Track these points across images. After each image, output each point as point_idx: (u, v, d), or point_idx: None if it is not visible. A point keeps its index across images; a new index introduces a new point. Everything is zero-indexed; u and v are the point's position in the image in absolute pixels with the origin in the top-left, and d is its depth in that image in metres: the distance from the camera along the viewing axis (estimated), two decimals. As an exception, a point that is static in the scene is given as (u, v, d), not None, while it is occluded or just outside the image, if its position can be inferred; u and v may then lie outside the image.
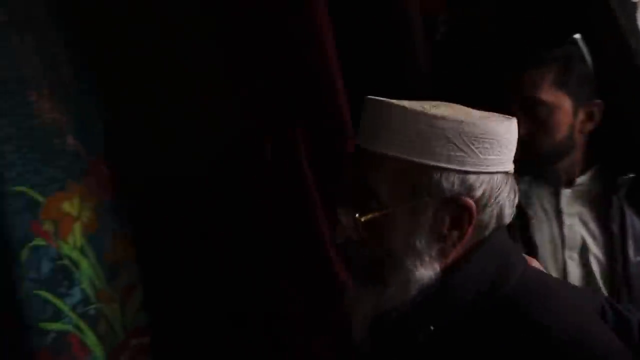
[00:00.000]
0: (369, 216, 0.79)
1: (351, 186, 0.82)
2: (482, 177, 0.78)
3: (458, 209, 0.78)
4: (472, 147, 0.76)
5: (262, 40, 1.34)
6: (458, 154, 0.76)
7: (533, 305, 0.77)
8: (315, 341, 1.40)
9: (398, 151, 0.77)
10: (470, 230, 0.79)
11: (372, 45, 1.47)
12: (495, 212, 0.80)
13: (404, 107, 0.77)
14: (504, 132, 0.78)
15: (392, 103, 0.78)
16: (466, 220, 0.78)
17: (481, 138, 0.76)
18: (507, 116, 0.82)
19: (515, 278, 0.80)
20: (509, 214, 0.82)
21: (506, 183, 0.80)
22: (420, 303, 0.79)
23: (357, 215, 0.79)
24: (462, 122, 0.75)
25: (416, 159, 0.77)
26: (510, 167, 0.81)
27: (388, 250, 0.80)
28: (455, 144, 0.76)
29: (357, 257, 0.83)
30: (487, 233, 0.81)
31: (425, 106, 0.78)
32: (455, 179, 0.77)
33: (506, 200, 0.81)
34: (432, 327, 0.79)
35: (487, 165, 0.78)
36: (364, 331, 0.84)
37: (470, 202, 0.77)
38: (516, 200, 0.83)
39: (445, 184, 0.77)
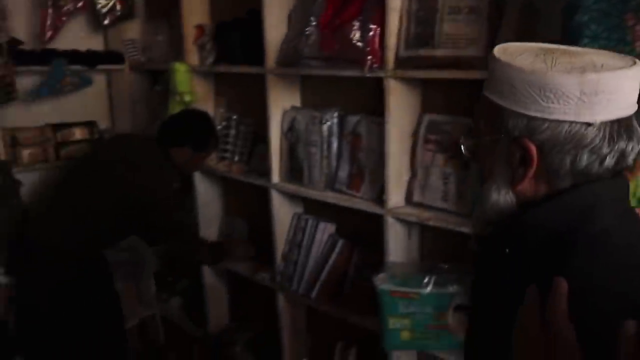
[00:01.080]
0: (468, 142, 1.00)
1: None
2: (546, 123, 0.85)
3: (522, 149, 0.88)
4: (536, 95, 0.84)
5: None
6: (523, 100, 0.86)
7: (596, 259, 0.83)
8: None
9: (489, 93, 0.92)
10: (533, 168, 0.88)
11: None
12: (568, 159, 0.86)
13: (498, 58, 0.90)
14: (570, 85, 0.82)
15: (495, 54, 0.91)
16: (529, 160, 0.88)
17: (545, 88, 0.83)
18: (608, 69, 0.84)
19: (593, 232, 0.85)
20: (597, 165, 0.86)
21: (586, 134, 0.84)
22: (499, 227, 0.95)
23: (462, 138, 1.01)
24: (530, 72, 0.84)
25: (495, 100, 0.90)
26: (594, 118, 0.84)
27: (482, 172, 0.98)
28: (521, 92, 0.85)
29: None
30: (566, 178, 0.88)
31: (511, 53, 0.90)
32: (520, 121, 0.87)
33: (585, 151, 0.85)
34: (507, 250, 0.93)
35: (551, 113, 0.84)
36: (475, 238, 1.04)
37: (530, 144, 0.87)
38: (627, 155, 0.87)
39: (512, 124, 0.88)
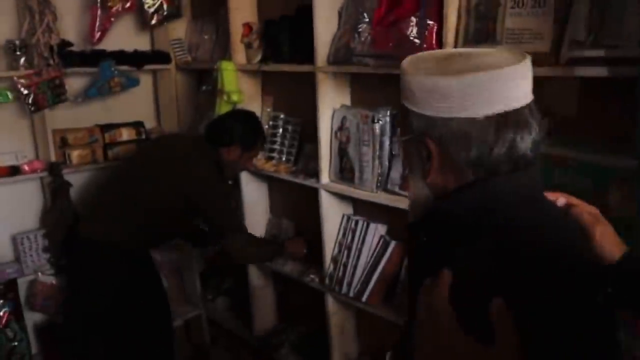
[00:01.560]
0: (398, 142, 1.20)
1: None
2: (439, 121, 0.94)
3: (425, 145, 0.98)
4: (428, 97, 0.93)
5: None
6: (421, 102, 0.96)
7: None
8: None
9: (402, 98, 1.03)
10: (435, 162, 0.98)
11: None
12: (462, 152, 0.94)
13: (403, 68, 1.01)
14: (451, 86, 0.91)
15: (402, 64, 1.02)
16: (431, 155, 0.98)
17: (434, 90, 0.93)
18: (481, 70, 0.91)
19: (499, 223, 0.92)
20: (487, 156, 0.93)
21: (473, 128, 0.92)
22: (420, 217, 1.07)
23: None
24: (424, 77, 0.94)
25: (405, 104, 1.01)
26: (477, 113, 0.91)
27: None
28: (418, 95, 0.96)
29: None
30: (465, 170, 0.96)
31: (415, 62, 1.01)
32: (420, 121, 0.97)
33: (474, 143, 0.92)
34: (424, 238, 1.08)
35: (440, 112, 0.93)
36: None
37: (429, 140, 0.97)
38: (517, 145, 0.93)
39: (416, 125, 0.99)
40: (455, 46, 1.88)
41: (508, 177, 0.94)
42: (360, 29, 2.16)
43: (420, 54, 1.05)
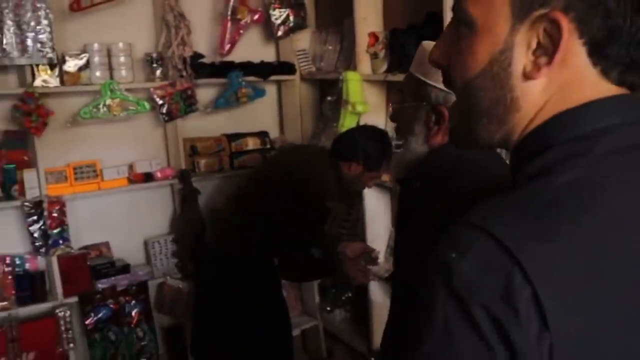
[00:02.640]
0: (396, 106, 1.44)
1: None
2: (451, 96, 1.07)
3: (438, 113, 1.32)
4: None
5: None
6: (437, 76, 1.09)
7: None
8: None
9: (415, 72, 1.34)
10: (445, 126, 1.32)
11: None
12: None
13: (423, 46, 1.35)
14: None
15: (422, 43, 1.36)
16: (443, 121, 1.32)
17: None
18: None
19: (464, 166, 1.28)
20: None
21: None
22: (415, 167, 1.38)
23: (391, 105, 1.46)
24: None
25: (420, 77, 1.32)
26: None
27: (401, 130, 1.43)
28: (438, 72, 0.93)
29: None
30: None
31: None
32: (439, 93, 1.30)
33: None
34: (418, 183, 1.39)
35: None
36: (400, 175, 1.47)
37: (444, 109, 1.31)
38: None
39: (433, 95, 1.32)
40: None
41: None
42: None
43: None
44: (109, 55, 2.84)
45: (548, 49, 0.67)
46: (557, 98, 0.69)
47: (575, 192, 0.63)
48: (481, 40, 0.71)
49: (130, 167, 2.97)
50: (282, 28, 3.21)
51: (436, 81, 1.28)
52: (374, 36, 2.79)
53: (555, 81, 0.69)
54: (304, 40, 3.38)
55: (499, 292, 0.58)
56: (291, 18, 3.21)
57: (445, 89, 0.98)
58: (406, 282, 1.29)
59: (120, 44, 2.85)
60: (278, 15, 3.18)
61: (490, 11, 0.70)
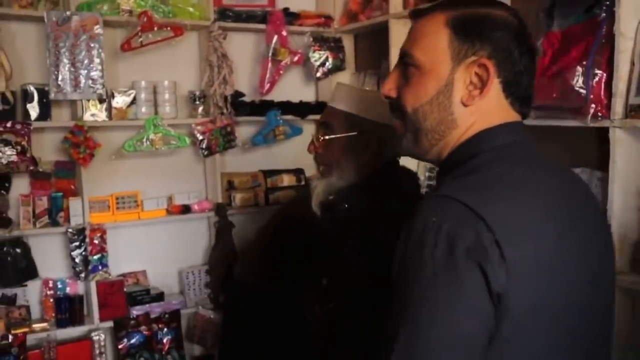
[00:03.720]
0: (327, 138, 1.58)
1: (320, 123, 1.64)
2: (381, 125, 1.49)
3: (369, 140, 1.54)
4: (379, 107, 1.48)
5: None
6: (366, 109, 1.56)
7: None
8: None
9: (339, 106, 1.60)
10: (373, 151, 1.54)
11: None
12: (388, 148, 1.52)
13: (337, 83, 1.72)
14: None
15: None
16: (373, 147, 1.54)
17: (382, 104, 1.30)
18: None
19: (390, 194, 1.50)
20: (396, 153, 1.47)
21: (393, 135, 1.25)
22: (340, 193, 1.55)
23: (320, 137, 1.59)
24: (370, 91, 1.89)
25: (347, 110, 1.58)
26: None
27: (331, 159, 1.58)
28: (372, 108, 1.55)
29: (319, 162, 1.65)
30: (385, 160, 1.56)
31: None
32: (368, 123, 1.54)
33: (390, 145, 1.47)
34: (346, 205, 1.52)
35: (384, 119, 1.39)
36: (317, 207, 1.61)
37: (374, 137, 1.53)
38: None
39: (364, 125, 1.54)
40: (627, 97, 1.75)
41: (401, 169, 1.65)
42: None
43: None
44: (155, 92, 3.00)
45: (478, 85, 0.97)
46: (482, 120, 0.99)
47: (507, 177, 0.92)
48: (429, 78, 0.99)
49: (170, 199, 3.09)
50: (321, 69, 3.32)
51: (365, 113, 1.54)
52: (407, 79, 2.86)
53: (480, 107, 0.98)
54: (344, 80, 3.47)
55: (473, 238, 0.83)
56: (330, 60, 3.32)
57: (374, 119, 1.51)
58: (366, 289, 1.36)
59: (166, 82, 3.01)
60: (317, 57, 3.29)
61: (435, 58, 0.99)
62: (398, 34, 2.89)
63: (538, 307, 0.85)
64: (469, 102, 0.97)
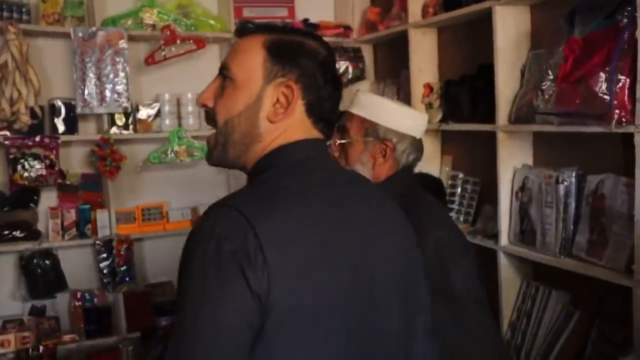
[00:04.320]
0: (343, 142, 1.65)
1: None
2: (400, 135, 1.64)
3: (386, 147, 1.62)
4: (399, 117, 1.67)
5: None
6: (383, 116, 1.63)
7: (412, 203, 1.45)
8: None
9: (356, 111, 1.66)
10: (390, 158, 1.63)
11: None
12: (404, 155, 1.65)
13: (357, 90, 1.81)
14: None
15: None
16: (389, 153, 1.62)
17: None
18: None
19: (408, 197, 1.50)
20: (412, 160, 1.68)
21: (410, 143, 1.65)
22: None
23: (336, 141, 1.65)
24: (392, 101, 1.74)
25: (363, 116, 1.64)
26: (415, 134, 1.67)
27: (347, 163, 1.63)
28: (390, 116, 1.66)
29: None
30: (401, 166, 1.66)
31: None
32: (384, 130, 1.62)
33: (412, 151, 1.66)
34: None
35: (399, 127, 1.63)
36: None
37: (390, 144, 1.62)
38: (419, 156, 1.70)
39: (380, 132, 1.62)
40: (651, 102, 1.75)
41: (408, 169, 1.70)
42: (544, 87, 2.09)
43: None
44: (178, 104, 3.05)
45: (284, 104, 1.07)
46: (284, 135, 1.08)
47: (289, 189, 1.02)
48: (241, 92, 1.07)
49: (194, 209, 3.13)
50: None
51: (382, 120, 1.61)
52: (429, 87, 2.88)
53: (285, 124, 1.08)
54: (363, 89, 3.49)
55: (239, 244, 0.91)
56: (350, 70, 3.35)
57: (390, 127, 1.61)
58: None
59: (189, 94, 3.05)
60: (337, 67, 3.31)
61: (248, 74, 1.07)
62: (417, 43, 2.91)
63: (300, 306, 0.94)
64: (274, 118, 1.07)
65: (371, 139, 1.61)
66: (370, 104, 1.66)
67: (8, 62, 2.59)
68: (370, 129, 1.62)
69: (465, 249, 1.58)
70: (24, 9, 2.74)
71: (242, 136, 1.08)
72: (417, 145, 1.69)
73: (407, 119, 1.66)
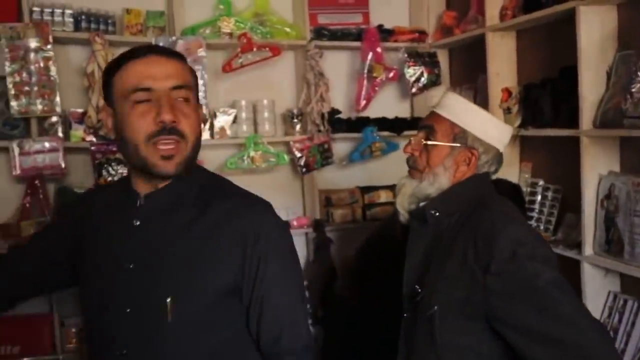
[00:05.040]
0: (429, 143, 1.59)
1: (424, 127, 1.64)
2: (485, 145, 1.59)
3: (471, 154, 1.58)
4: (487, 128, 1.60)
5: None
6: (473, 122, 1.58)
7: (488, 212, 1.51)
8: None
9: (445, 114, 1.61)
10: (472, 167, 1.59)
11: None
12: (486, 166, 1.61)
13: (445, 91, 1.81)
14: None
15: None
16: (474, 161, 1.58)
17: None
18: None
19: (485, 198, 1.57)
20: (492, 171, 1.65)
21: (494, 155, 1.61)
22: (436, 198, 1.58)
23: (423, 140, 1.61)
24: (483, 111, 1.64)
25: (453, 120, 1.58)
26: (499, 147, 1.62)
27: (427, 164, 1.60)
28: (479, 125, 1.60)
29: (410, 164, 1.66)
30: (479, 171, 1.62)
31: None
32: (473, 138, 1.57)
33: (488, 164, 1.62)
34: (437, 213, 1.56)
35: (486, 138, 1.58)
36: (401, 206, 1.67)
37: (477, 153, 1.58)
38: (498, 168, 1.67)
39: (469, 139, 1.57)
40: None
41: (484, 175, 1.63)
42: (633, 89, 2.00)
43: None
44: (255, 111, 3.09)
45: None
46: None
47: None
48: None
49: (269, 215, 3.16)
50: (416, 85, 3.31)
51: (472, 128, 1.56)
52: (507, 91, 2.79)
53: None
54: (438, 96, 3.43)
55: None
56: (425, 75, 3.30)
57: (478, 135, 1.57)
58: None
59: (265, 101, 3.09)
60: (412, 73, 3.28)
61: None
62: (495, 46, 2.85)
63: None
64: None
65: (459, 145, 1.57)
66: (460, 108, 1.60)
67: (95, 72, 2.71)
68: (459, 134, 1.57)
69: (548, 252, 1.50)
70: (109, 21, 2.85)
71: None
72: (499, 158, 1.64)
73: (494, 130, 1.60)
